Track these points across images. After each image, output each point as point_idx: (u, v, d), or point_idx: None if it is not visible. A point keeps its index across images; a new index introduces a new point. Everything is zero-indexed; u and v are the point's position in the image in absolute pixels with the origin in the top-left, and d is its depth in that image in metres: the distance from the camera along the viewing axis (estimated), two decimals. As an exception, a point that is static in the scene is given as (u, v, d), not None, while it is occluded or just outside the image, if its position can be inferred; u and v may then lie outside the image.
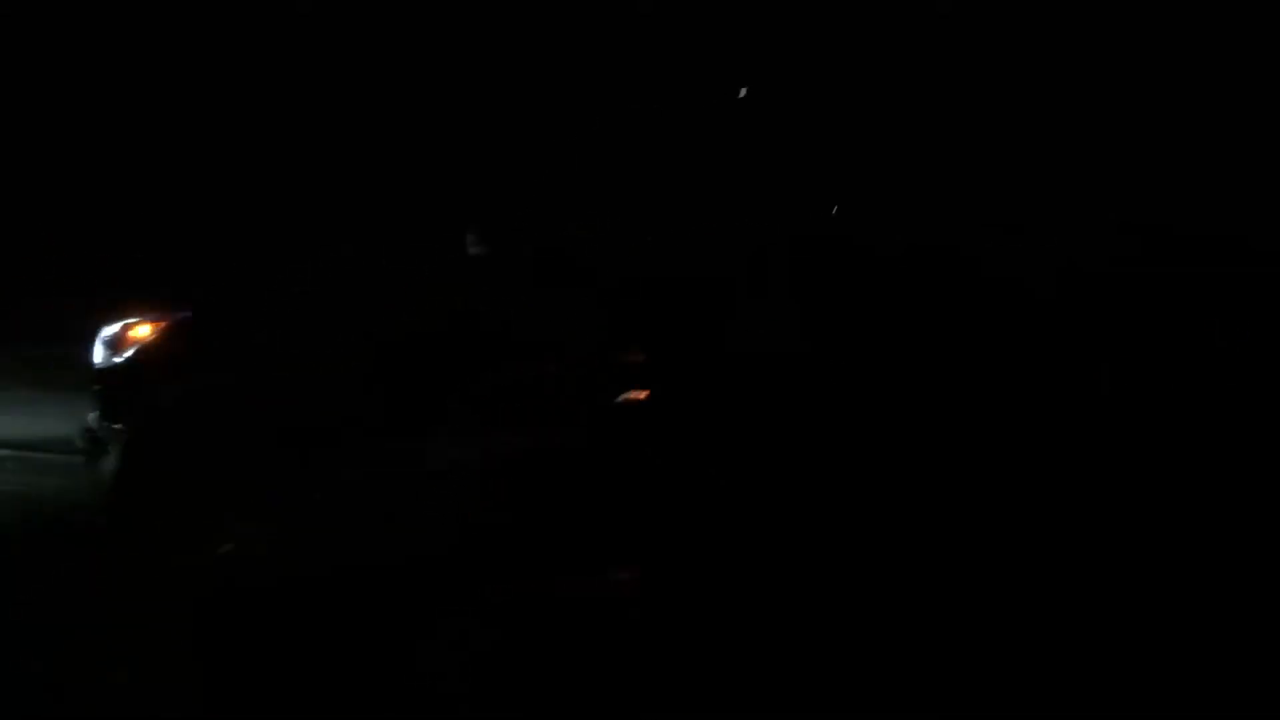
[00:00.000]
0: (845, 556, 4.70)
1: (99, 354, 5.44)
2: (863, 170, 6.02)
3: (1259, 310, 4.95)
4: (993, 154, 6.66)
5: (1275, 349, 4.87)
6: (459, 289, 5.07)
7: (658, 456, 4.86)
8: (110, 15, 11.59)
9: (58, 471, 7.67)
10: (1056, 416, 4.82)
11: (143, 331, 5.34)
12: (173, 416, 5.11)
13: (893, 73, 7.11)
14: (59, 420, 9.00)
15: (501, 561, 4.79)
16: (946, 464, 4.81)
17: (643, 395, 4.85)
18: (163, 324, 5.31)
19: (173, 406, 5.11)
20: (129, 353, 5.36)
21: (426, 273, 5.16)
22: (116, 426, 5.24)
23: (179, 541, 5.01)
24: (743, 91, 5.28)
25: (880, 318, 5.10)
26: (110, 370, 5.39)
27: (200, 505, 5.02)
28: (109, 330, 5.43)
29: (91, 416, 5.46)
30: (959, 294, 5.10)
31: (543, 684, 4.32)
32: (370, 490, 4.93)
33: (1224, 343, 4.89)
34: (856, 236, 5.74)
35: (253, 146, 10.52)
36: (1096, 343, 5.03)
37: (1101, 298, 5.15)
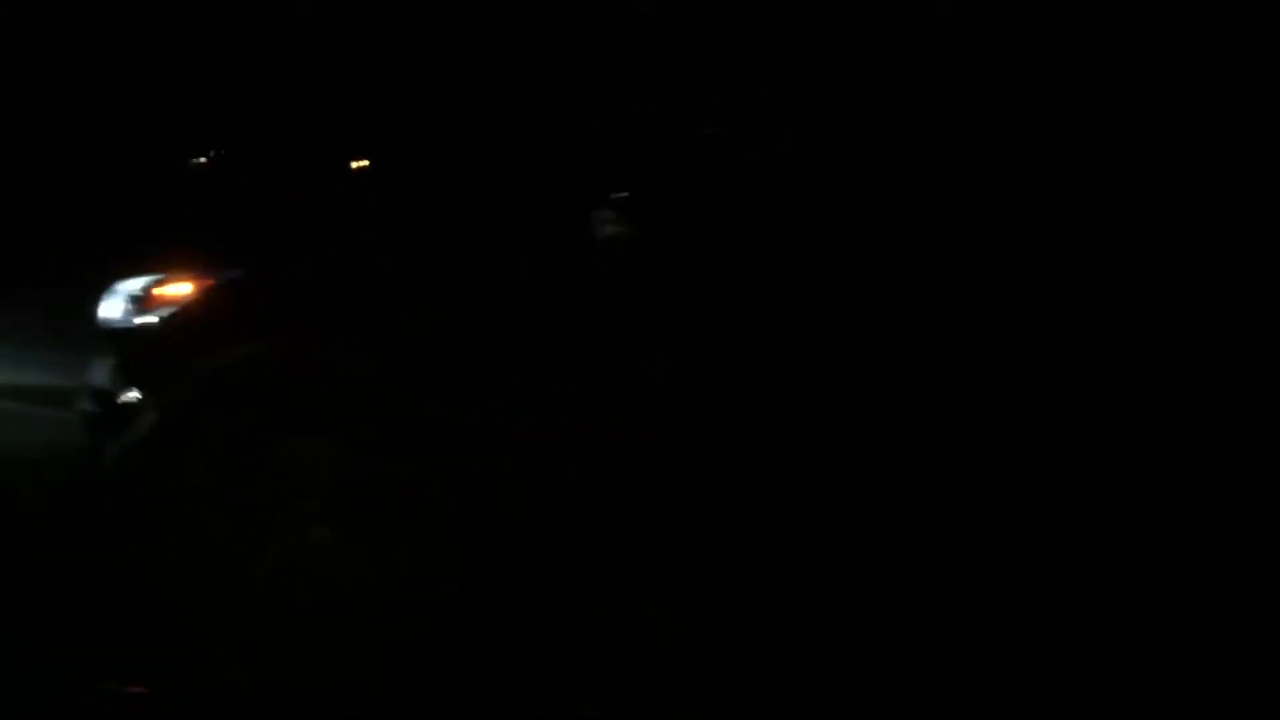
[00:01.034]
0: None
1: (116, 309, 4.91)
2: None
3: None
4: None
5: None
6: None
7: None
8: None
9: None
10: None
11: (181, 289, 4.83)
12: (229, 389, 4.58)
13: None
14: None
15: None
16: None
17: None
18: (208, 282, 4.79)
19: (228, 378, 4.58)
20: (161, 312, 4.84)
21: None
22: (139, 396, 4.73)
23: (218, 532, 4.61)
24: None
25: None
26: (135, 330, 4.87)
27: (254, 496, 4.60)
28: (132, 284, 4.89)
29: (102, 376, 4.93)
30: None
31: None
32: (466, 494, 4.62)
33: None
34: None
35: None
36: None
37: None
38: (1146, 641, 4.34)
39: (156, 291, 4.90)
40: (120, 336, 4.93)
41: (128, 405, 4.75)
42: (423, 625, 4.50)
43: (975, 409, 4.58)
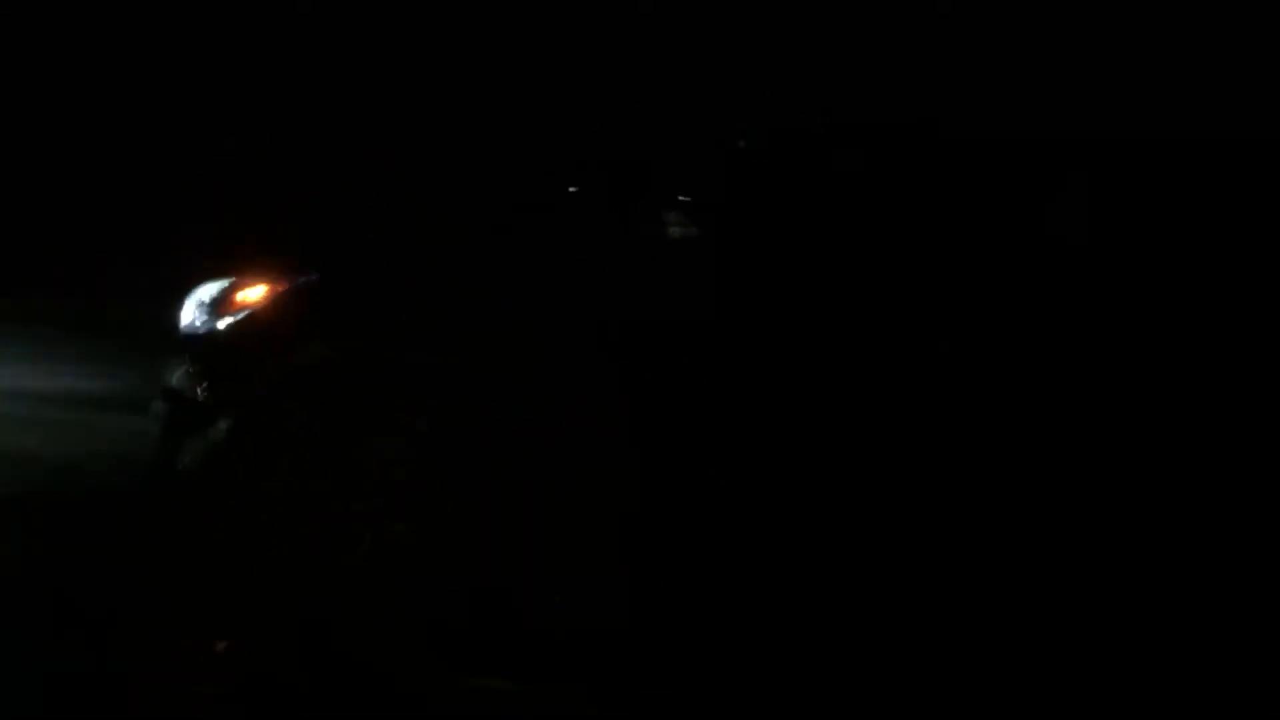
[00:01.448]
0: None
1: (192, 315, 5.06)
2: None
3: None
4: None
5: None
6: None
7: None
8: None
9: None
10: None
11: (255, 293, 5.00)
12: (303, 391, 4.74)
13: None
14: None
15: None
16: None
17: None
18: (281, 286, 4.96)
19: (302, 380, 4.75)
20: (237, 317, 4.99)
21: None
22: (213, 398, 4.91)
23: (301, 532, 4.77)
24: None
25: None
26: (210, 334, 5.01)
27: (334, 495, 4.75)
28: (208, 290, 5.05)
29: (176, 378, 5.07)
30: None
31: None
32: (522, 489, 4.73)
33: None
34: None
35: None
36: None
37: None
38: (1147, 642, 4.40)
39: (230, 295, 5.03)
40: (194, 340, 5.07)
41: (202, 406, 4.92)
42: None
43: (984, 408, 4.62)
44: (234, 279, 5.04)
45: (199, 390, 4.95)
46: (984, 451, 4.61)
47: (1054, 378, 4.63)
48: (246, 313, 4.99)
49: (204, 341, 5.04)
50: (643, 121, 5.76)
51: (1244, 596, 4.44)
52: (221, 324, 5.03)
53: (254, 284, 4.99)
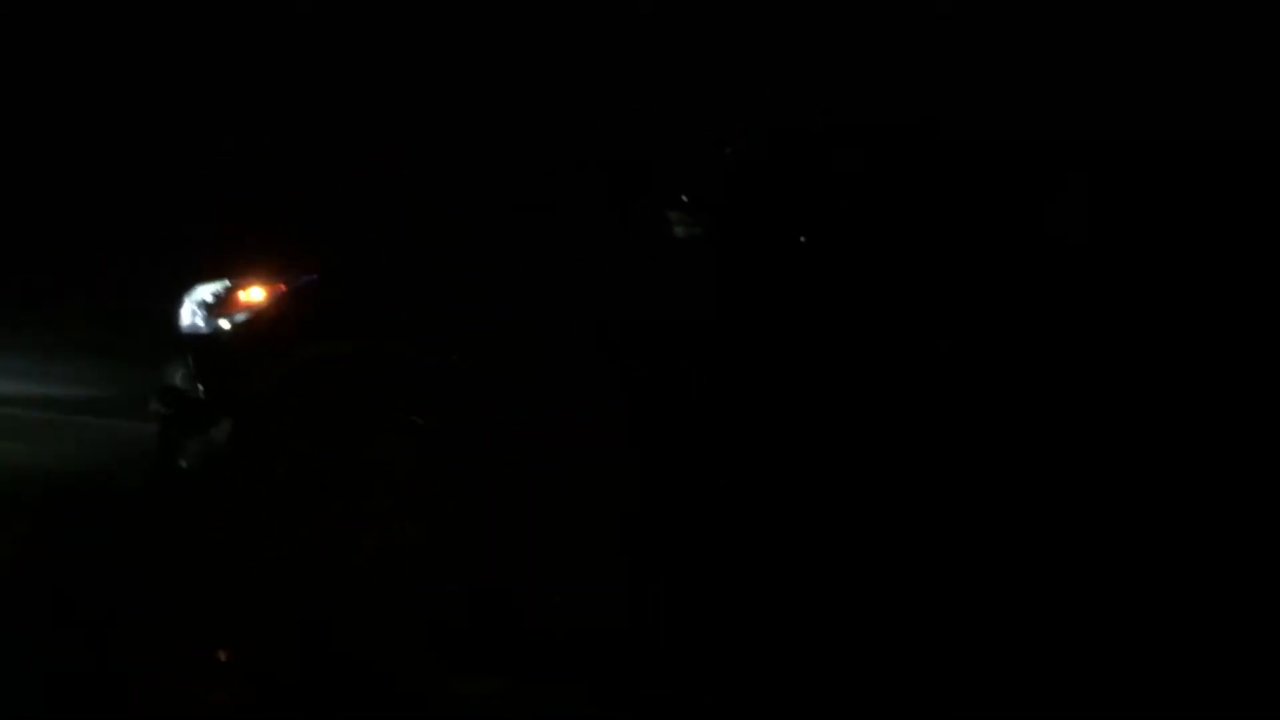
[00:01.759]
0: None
1: (190, 315, 5.07)
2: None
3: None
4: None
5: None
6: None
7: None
8: None
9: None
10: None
11: (256, 294, 5.02)
12: (313, 390, 4.76)
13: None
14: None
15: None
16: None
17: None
18: (281, 287, 4.96)
19: (312, 379, 4.75)
20: (238, 316, 4.98)
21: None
22: (213, 397, 4.89)
23: (301, 532, 4.78)
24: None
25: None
26: (212, 334, 5.00)
27: (341, 492, 4.77)
28: (206, 290, 5.06)
29: (178, 378, 5.04)
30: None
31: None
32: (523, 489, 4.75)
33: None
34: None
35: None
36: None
37: None
38: (1147, 641, 4.42)
39: (231, 295, 5.03)
40: (195, 339, 5.05)
41: (202, 405, 4.92)
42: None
43: (984, 408, 4.63)
44: (234, 279, 5.03)
45: (199, 389, 4.95)
46: (984, 451, 4.63)
47: (1054, 378, 4.64)
48: (247, 312, 4.99)
49: (205, 341, 5.02)
50: (643, 121, 5.76)
51: (1244, 596, 4.45)
52: (223, 323, 5.01)
53: (254, 284, 4.99)
